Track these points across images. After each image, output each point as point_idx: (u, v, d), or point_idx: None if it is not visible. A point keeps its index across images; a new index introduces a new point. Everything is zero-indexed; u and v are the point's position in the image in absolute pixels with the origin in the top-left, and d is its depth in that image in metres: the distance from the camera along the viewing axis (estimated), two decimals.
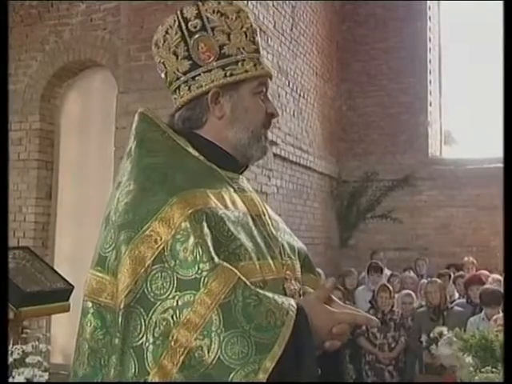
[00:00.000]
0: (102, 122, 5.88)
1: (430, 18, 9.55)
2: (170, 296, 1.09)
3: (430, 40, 9.49)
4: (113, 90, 5.61)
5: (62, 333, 5.63)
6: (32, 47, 6.12)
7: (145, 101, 4.99)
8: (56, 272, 4.17)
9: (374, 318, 1.27)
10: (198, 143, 1.33)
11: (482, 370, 3.13)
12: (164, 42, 1.35)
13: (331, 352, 1.20)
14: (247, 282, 1.14)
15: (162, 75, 1.39)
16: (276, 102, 6.93)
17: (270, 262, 1.28)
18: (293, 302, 1.15)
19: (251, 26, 1.35)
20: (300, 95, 7.92)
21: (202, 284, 1.09)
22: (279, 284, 1.28)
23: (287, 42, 7.47)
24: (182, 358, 1.06)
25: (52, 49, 6.05)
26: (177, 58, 1.33)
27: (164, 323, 1.08)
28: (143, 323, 1.09)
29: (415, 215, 9.04)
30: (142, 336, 1.09)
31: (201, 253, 1.11)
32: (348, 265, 7.90)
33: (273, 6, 6.79)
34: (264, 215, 1.38)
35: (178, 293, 1.09)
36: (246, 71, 1.32)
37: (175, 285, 1.10)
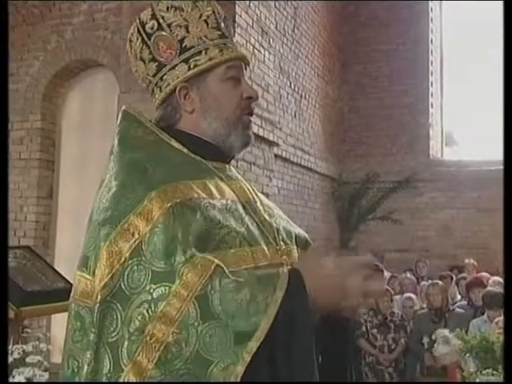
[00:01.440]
0: (104, 121, 5.88)
1: (431, 19, 9.55)
2: (145, 289, 1.06)
3: (431, 42, 9.49)
4: (114, 90, 5.61)
5: (63, 333, 5.61)
6: (34, 47, 6.12)
7: (146, 101, 4.96)
8: (57, 272, 4.16)
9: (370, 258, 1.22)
10: (180, 137, 1.31)
11: (483, 372, 3.13)
12: (131, 50, 1.35)
13: (336, 334, 1.17)
14: (226, 270, 1.10)
15: (143, 84, 1.39)
16: (277, 103, 6.94)
17: (264, 247, 1.25)
18: (285, 270, 1.10)
19: (213, 12, 1.32)
20: (301, 96, 7.91)
21: (177, 276, 1.06)
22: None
23: (289, 43, 7.47)
24: (157, 353, 1.03)
25: (54, 48, 6.05)
26: (144, 63, 1.33)
27: (139, 318, 1.05)
28: (119, 318, 1.07)
29: (416, 217, 9.04)
30: (118, 331, 1.06)
31: (177, 246, 1.09)
32: None
33: (275, 6, 6.79)
34: (255, 202, 1.34)
35: (152, 285, 1.06)
36: (211, 59, 1.29)
37: (150, 277, 1.07)
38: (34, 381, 3.04)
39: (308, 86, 8.16)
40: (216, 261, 1.10)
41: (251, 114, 1.35)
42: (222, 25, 1.33)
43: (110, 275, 1.09)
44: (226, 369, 1.01)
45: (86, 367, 1.10)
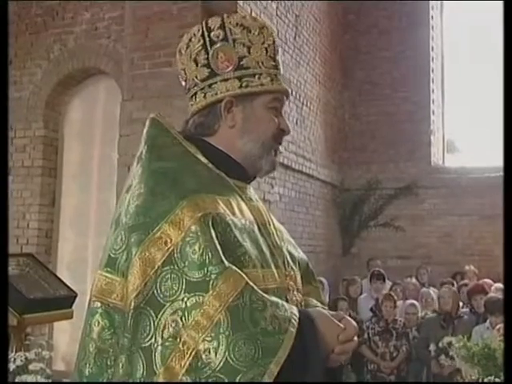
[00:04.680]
0: (106, 129, 5.91)
1: (432, 27, 9.58)
2: (179, 297, 1.11)
3: (432, 49, 9.51)
4: (117, 98, 5.63)
5: (65, 340, 5.62)
6: (37, 55, 6.15)
7: (148, 109, 5.01)
8: (59, 279, 4.17)
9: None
10: (207, 151, 1.34)
11: (485, 379, 3.12)
12: (187, 48, 1.39)
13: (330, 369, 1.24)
14: (254, 287, 1.16)
15: (183, 82, 1.42)
16: None
17: (274, 270, 1.30)
18: (296, 310, 1.19)
19: (273, 43, 1.38)
20: (303, 103, 7.94)
21: (210, 286, 1.11)
22: (281, 294, 1.29)
23: (290, 51, 7.51)
24: (189, 359, 1.07)
25: (56, 57, 6.09)
26: (196, 66, 1.36)
27: (173, 325, 1.09)
28: (152, 324, 1.11)
29: (418, 224, 9.03)
30: (151, 337, 1.10)
31: (210, 255, 1.13)
32: (350, 273, 7.89)
33: (276, 15, 6.83)
34: (269, 225, 1.39)
35: (186, 294, 1.11)
36: (262, 85, 1.35)
37: (184, 286, 1.11)
38: None
39: (309, 93, 8.19)
40: (246, 278, 1.15)
41: (280, 144, 1.43)
42: (277, 57, 1.40)
43: (143, 283, 1.13)
44: (253, 380, 1.06)
45: (120, 371, 1.14)
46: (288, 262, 1.37)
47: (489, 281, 6.57)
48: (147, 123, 1.38)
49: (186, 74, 1.39)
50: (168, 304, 1.11)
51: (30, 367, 3.13)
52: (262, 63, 1.35)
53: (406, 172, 9.10)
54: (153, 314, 1.11)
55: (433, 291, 6.36)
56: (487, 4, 8.94)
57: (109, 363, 1.19)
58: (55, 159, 6.13)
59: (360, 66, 9.56)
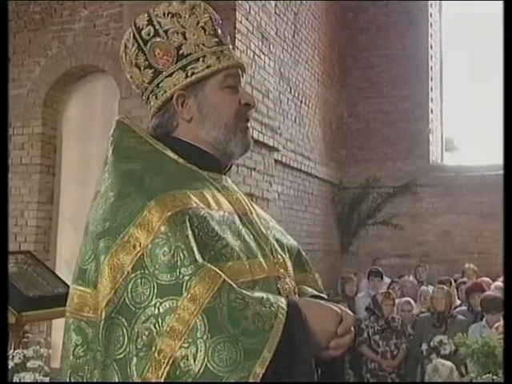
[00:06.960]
0: (104, 127, 5.89)
1: (431, 24, 9.58)
2: (151, 303, 1.03)
3: (431, 47, 9.52)
4: (115, 96, 5.62)
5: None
6: (35, 52, 6.14)
7: (146, 106, 4.99)
8: (57, 276, 4.16)
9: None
10: (176, 146, 1.28)
11: (483, 376, 3.13)
12: (125, 56, 1.33)
13: (327, 361, 1.17)
14: (233, 284, 1.08)
15: (137, 90, 1.37)
16: (278, 109, 6.95)
17: (261, 260, 1.24)
18: (284, 303, 1.10)
19: (210, 19, 1.30)
20: (301, 101, 7.93)
21: (184, 289, 1.03)
22: (272, 283, 1.23)
23: (289, 49, 7.50)
24: (166, 369, 1.00)
25: (55, 54, 6.07)
26: (140, 70, 1.31)
27: (146, 333, 1.02)
28: (125, 334, 1.03)
29: (416, 222, 9.04)
30: (125, 348, 1.03)
31: (182, 256, 1.06)
32: (348, 271, 7.89)
33: (275, 12, 6.82)
34: (251, 214, 1.33)
35: (158, 299, 1.03)
36: (208, 67, 1.27)
37: (156, 291, 1.04)
38: None
39: (308, 91, 8.19)
40: (223, 275, 1.08)
41: (248, 120, 1.35)
42: (219, 31, 1.31)
43: (113, 290, 1.05)
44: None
45: None
46: (276, 249, 1.31)
47: (488, 279, 6.58)
48: (113, 126, 1.33)
49: (134, 80, 1.34)
50: (140, 311, 1.02)
51: (28, 365, 3.12)
52: (203, 44, 1.27)
53: (405, 170, 9.12)
54: (125, 323, 1.03)
55: (431, 289, 6.36)
56: (486, 1, 8.94)
57: (85, 381, 1.12)
58: (53, 157, 6.11)
59: (358, 64, 9.56)
